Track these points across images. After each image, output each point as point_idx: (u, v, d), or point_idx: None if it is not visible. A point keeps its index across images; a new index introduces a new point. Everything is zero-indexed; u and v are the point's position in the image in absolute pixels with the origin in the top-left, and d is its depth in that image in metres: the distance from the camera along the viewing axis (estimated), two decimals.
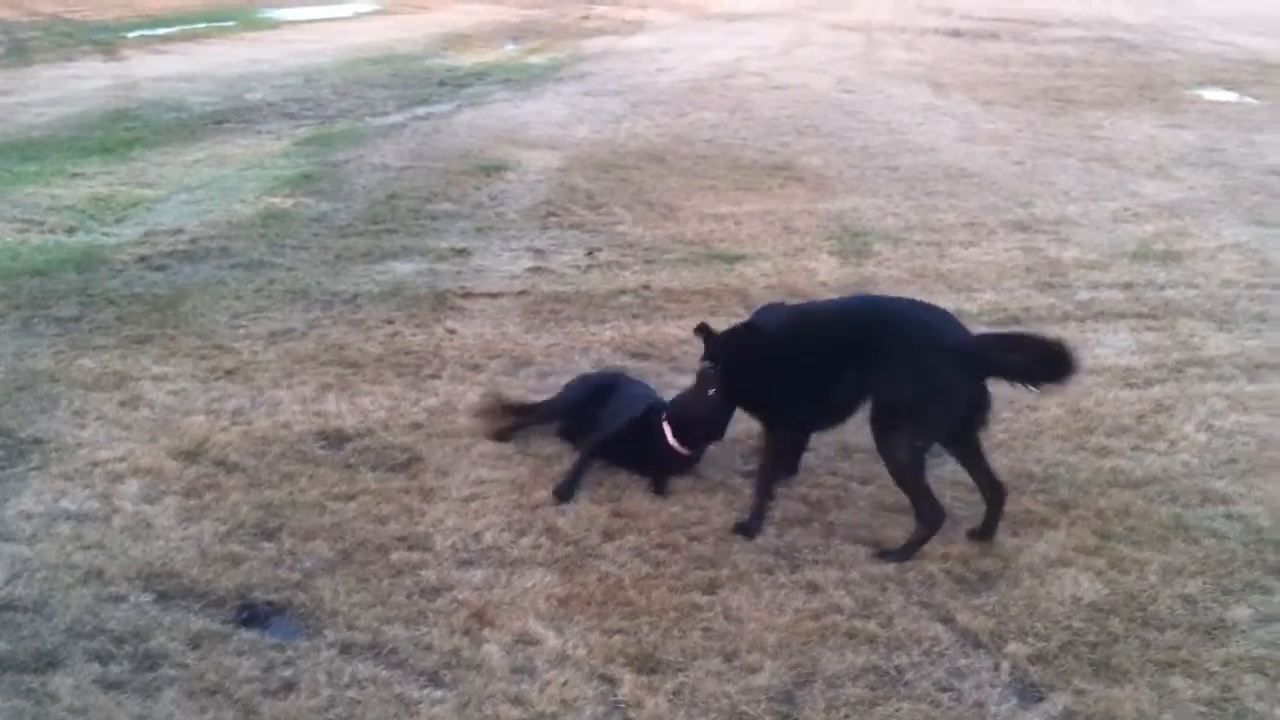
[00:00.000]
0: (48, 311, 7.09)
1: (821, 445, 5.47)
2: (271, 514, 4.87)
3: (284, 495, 5.02)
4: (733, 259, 8.38)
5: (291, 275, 7.86)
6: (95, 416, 5.71)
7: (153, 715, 3.70)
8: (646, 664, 4.00)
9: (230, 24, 21.58)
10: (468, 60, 17.90)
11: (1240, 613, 4.33)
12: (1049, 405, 6.01)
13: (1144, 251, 8.75)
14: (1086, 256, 8.63)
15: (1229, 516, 5.01)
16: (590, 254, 8.50)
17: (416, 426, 5.70)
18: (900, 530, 4.80)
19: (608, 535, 4.80)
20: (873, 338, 4.72)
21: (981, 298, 7.64)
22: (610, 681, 3.92)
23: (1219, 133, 13.45)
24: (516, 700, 3.81)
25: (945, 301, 7.12)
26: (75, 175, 10.43)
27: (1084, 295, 7.73)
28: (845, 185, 10.71)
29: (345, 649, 4.04)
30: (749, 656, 4.05)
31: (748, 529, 4.84)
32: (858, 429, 5.19)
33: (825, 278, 7.99)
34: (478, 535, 4.76)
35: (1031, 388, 4.89)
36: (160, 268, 7.98)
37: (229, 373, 6.28)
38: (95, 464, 5.24)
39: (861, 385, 4.72)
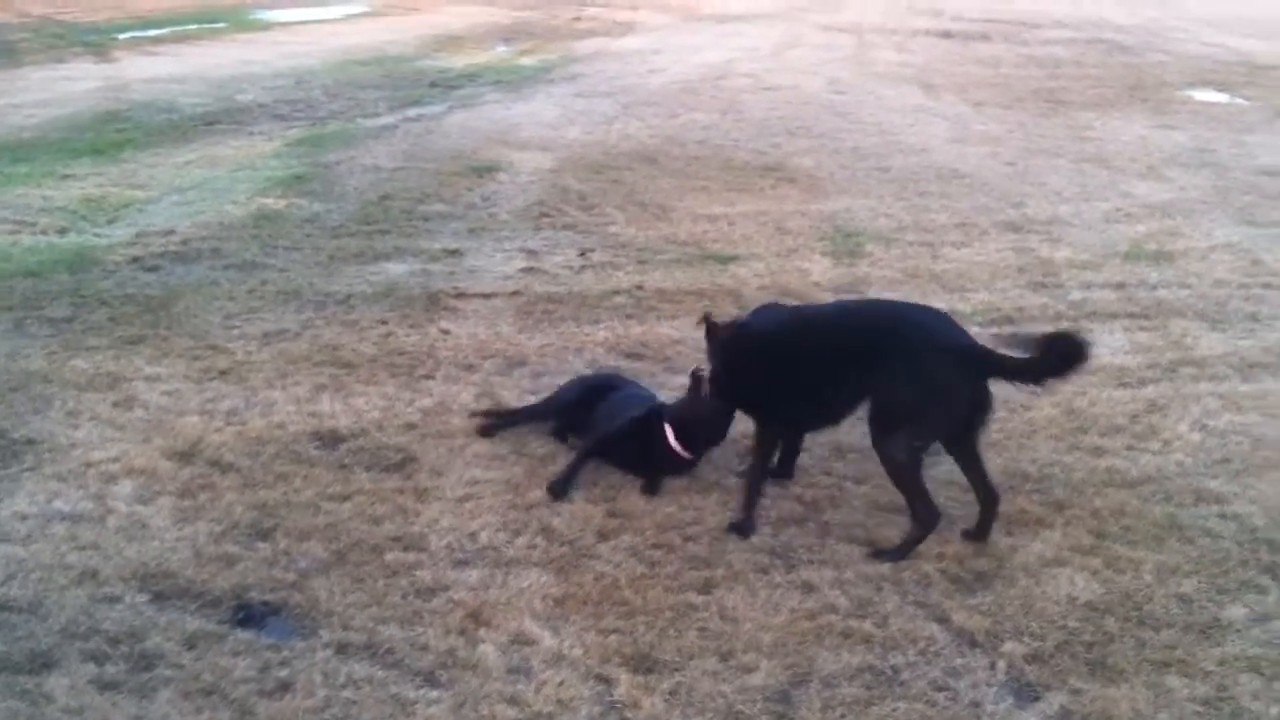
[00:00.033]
0: (40, 312, 7.08)
1: (816, 445, 5.47)
2: (266, 514, 4.86)
3: (279, 496, 5.01)
4: (726, 259, 8.39)
5: (284, 276, 7.85)
6: (89, 417, 5.70)
7: (148, 716, 3.69)
8: (642, 664, 4.00)
9: (221, 25, 21.55)
10: (459, 62, 17.89)
11: (1235, 612, 4.34)
12: (1043, 405, 6.02)
13: (1136, 252, 8.77)
14: (1079, 257, 8.64)
15: (1223, 516, 5.02)
16: (583, 255, 8.50)
17: (411, 427, 5.70)
18: (895, 530, 4.80)
19: (603, 535, 4.79)
20: (873, 339, 4.72)
21: (974, 298, 7.65)
22: (606, 681, 3.91)
23: (1210, 133, 13.49)
24: (512, 700, 3.80)
25: (938, 302, 7.16)
26: (66, 176, 10.40)
27: (1076, 295, 7.75)
28: (837, 186, 10.72)
29: (341, 649, 4.03)
30: (745, 656, 4.05)
31: (741, 528, 4.84)
32: (851, 429, 5.21)
33: (818, 278, 7.99)
34: (473, 535, 4.75)
35: (1035, 387, 4.90)
36: (153, 268, 7.97)
37: (223, 373, 6.27)
38: (89, 465, 5.23)
39: (862, 386, 4.72)
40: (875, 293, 7.70)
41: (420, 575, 4.47)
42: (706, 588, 4.44)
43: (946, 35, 22.82)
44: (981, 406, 4.71)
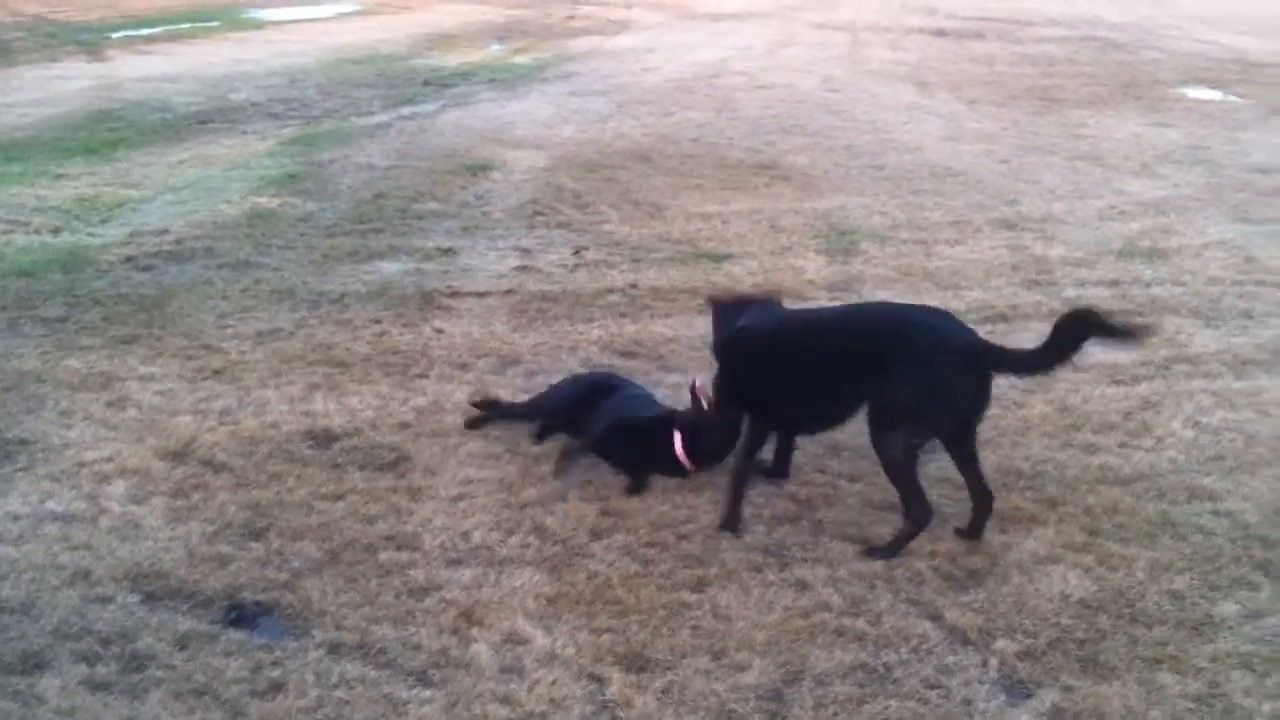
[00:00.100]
0: (34, 312, 7.07)
1: (809, 443, 5.47)
2: (259, 514, 4.86)
3: (271, 495, 5.01)
4: (720, 258, 8.39)
5: (278, 275, 7.84)
6: (82, 417, 5.70)
7: (140, 716, 3.69)
8: (635, 663, 4.00)
9: (214, 24, 21.50)
10: (453, 60, 17.86)
11: (1227, 609, 4.34)
12: (1036, 402, 6.03)
13: (1130, 249, 8.78)
14: (1073, 254, 8.65)
15: (1216, 513, 5.02)
16: (577, 253, 8.49)
17: (404, 426, 5.70)
18: (889, 528, 4.80)
19: (596, 534, 4.79)
20: (876, 340, 4.70)
21: (969, 295, 7.65)
22: (599, 680, 3.91)
23: (1203, 131, 13.49)
24: (505, 700, 3.80)
25: (932, 300, 7.17)
26: (60, 176, 10.39)
27: (1070, 293, 7.74)
28: (831, 184, 10.72)
29: (333, 649, 4.03)
30: (738, 654, 4.05)
31: (728, 524, 4.85)
32: (845, 427, 5.19)
33: (812, 276, 8.00)
34: (466, 534, 4.75)
35: (1042, 376, 4.91)
36: (146, 268, 7.96)
37: (216, 373, 6.26)
38: (82, 464, 5.23)
39: (864, 387, 4.70)
40: (869, 290, 7.70)
41: (413, 575, 4.46)
42: (699, 586, 4.44)
43: (940, 33, 22.82)
44: (982, 402, 4.71)
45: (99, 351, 6.48)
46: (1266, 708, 3.83)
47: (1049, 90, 16.16)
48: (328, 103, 14.19)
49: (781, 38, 21.82)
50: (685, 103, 14.63)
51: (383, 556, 4.58)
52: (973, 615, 4.28)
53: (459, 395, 6.02)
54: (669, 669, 3.97)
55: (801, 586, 4.46)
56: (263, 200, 9.66)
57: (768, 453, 5.26)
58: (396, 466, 5.31)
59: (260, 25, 21.87)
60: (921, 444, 4.72)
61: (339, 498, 5.01)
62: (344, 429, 5.64)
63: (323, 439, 5.55)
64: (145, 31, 20.39)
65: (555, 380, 6.00)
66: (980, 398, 4.69)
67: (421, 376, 6.28)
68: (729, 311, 5.32)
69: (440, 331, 6.92)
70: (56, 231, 8.81)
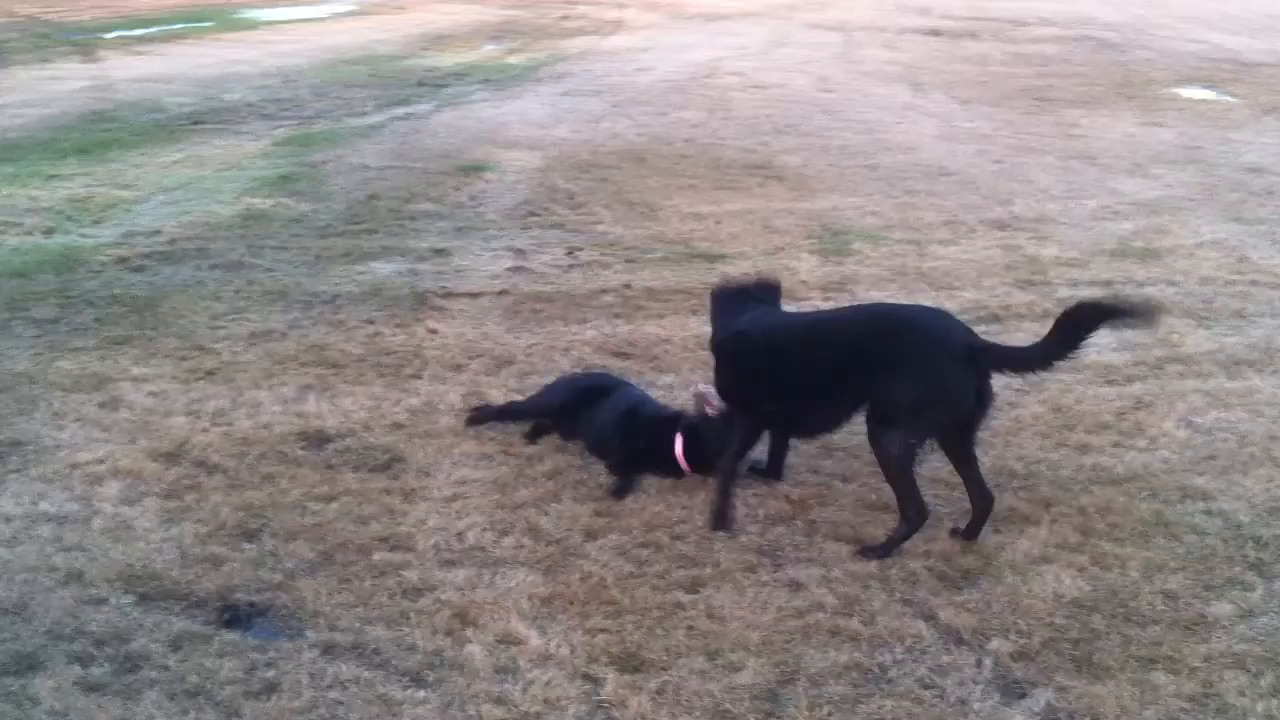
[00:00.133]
0: (26, 313, 7.06)
1: (803, 444, 5.46)
2: (252, 515, 4.85)
3: (265, 496, 5.00)
4: (714, 258, 8.39)
5: (271, 276, 7.84)
6: (74, 418, 5.69)
7: (134, 717, 3.68)
8: (630, 663, 3.99)
9: (208, 25, 21.52)
10: (447, 61, 17.88)
11: (1221, 608, 4.34)
12: (1029, 403, 6.03)
13: (1123, 249, 8.78)
14: (1066, 254, 8.65)
15: (1209, 512, 5.02)
16: (571, 253, 8.49)
17: (398, 427, 5.69)
18: (883, 528, 4.80)
19: (590, 534, 4.78)
20: (877, 342, 4.69)
21: (962, 296, 7.65)
22: (593, 681, 3.90)
23: (1197, 130, 13.52)
24: (499, 700, 3.80)
25: (926, 300, 7.19)
26: (53, 177, 10.39)
27: (1064, 293, 7.73)
28: (825, 184, 10.73)
29: (327, 650, 4.02)
30: (732, 655, 4.04)
31: (718, 523, 4.85)
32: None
33: (806, 276, 8.00)
34: (460, 535, 4.75)
35: (1042, 373, 4.90)
36: (139, 269, 7.95)
37: (209, 374, 6.26)
38: (75, 466, 5.22)
39: (865, 389, 4.69)
40: (863, 291, 7.70)
41: (407, 575, 4.46)
42: (694, 586, 4.44)
43: (934, 33, 22.85)
44: (982, 403, 4.70)
45: (91, 353, 6.48)
46: (1260, 707, 3.83)
47: (1043, 90, 16.19)
48: (321, 103, 14.20)
49: (775, 38, 21.85)
50: (679, 103, 14.64)
51: (376, 557, 4.57)
52: (967, 615, 4.28)
53: (452, 396, 6.02)
54: (664, 669, 3.96)
55: (796, 587, 4.45)
56: (256, 201, 9.65)
57: (762, 454, 5.26)
58: (390, 467, 5.31)
59: (254, 26, 21.88)
60: (920, 444, 4.71)
61: (332, 499, 5.00)
62: (337, 430, 5.63)
63: (316, 440, 5.55)
64: (138, 32, 20.40)
65: (549, 381, 5.99)
66: (980, 398, 4.68)
67: (415, 377, 6.27)
68: (729, 300, 5.31)
69: (434, 332, 6.91)
70: (49, 232, 8.81)
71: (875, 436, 4.69)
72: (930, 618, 4.28)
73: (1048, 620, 4.26)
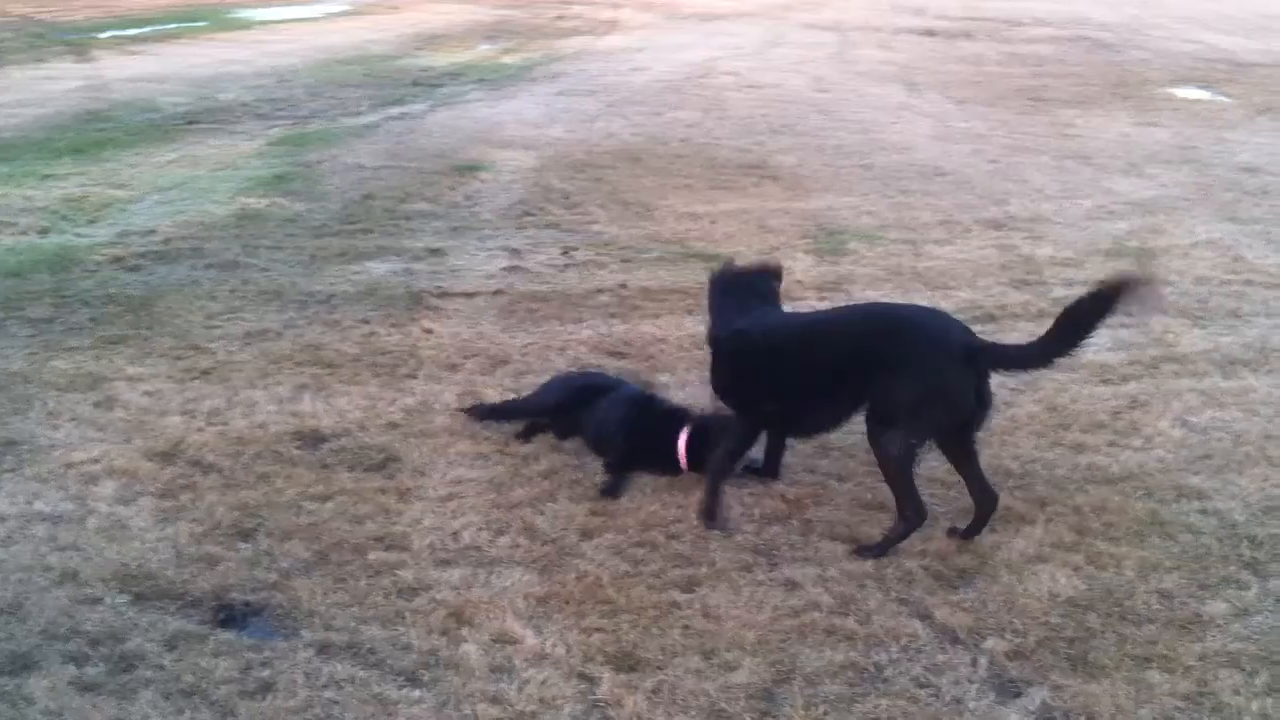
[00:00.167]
0: (21, 313, 7.05)
1: (799, 443, 5.46)
2: (248, 515, 4.85)
3: (260, 496, 5.00)
4: (709, 258, 8.35)
5: (266, 276, 7.83)
6: (69, 418, 5.68)
7: (129, 717, 3.67)
8: (625, 662, 3.99)
9: (202, 24, 21.50)
10: (441, 60, 17.87)
11: (1216, 607, 4.35)
12: (1024, 402, 6.03)
13: (1118, 249, 8.79)
14: (1061, 254, 8.66)
15: (1204, 512, 5.02)
16: (566, 253, 8.49)
17: (393, 426, 5.69)
18: (878, 527, 4.80)
19: (586, 534, 4.78)
20: (877, 342, 4.68)
21: (957, 295, 7.66)
22: (589, 680, 3.90)
23: (1192, 130, 13.53)
24: (495, 699, 3.79)
25: (921, 299, 7.19)
26: (47, 176, 10.38)
27: (1059, 292, 7.73)
28: (820, 184, 10.73)
29: (323, 649, 4.01)
30: (728, 654, 4.04)
31: (708, 514, 4.85)
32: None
33: (801, 276, 7.99)
34: (455, 535, 4.74)
35: (1042, 370, 4.90)
36: (134, 269, 7.95)
37: (204, 373, 6.25)
38: (70, 465, 5.21)
39: (865, 390, 4.69)
40: (858, 291, 7.70)
41: (402, 575, 4.45)
42: (690, 586, 4.44)
43: (929, 33, 22.87)
44: (982, 403, 4.70)
45: (86, 352, 6.47)
46: (1255, 706, 3.83)
47: (1038, 90, 16.20)
48: (316, 103, 14.19)
49: (771, 38, 21.85)
50: (674, 103, 14.64)
51: (372, 557, 4.57)
52: (962, 614, 4.28)
53: (448, 396, 6.02)
54: (659, 668, 3.96)
55: (791, 586, 4.45)
56: (251, 201, 9.65)
57: (759, 453, 5.26)
58: (385, 467, 5.30)
59: (248, 25, 21.87)
60: (920, 444, 4.71)
61: (327, 498, 5.00)
62: (332, 429, 5.63)
63: (311, 439, 5.54)
64: (133, 32, 20.38)
65: (544, 380, 5.99)
66: (980, 397, 4.68)
67: (410, 377, 6.27)
68: (727, 289, 5.30)
69: (429, 332, 6.91)
70: (44, 232, 8.80)
71: (875, 436, 4.68)
72: (926, 617, 4.28)
73: (1043, 619, 4.26)
